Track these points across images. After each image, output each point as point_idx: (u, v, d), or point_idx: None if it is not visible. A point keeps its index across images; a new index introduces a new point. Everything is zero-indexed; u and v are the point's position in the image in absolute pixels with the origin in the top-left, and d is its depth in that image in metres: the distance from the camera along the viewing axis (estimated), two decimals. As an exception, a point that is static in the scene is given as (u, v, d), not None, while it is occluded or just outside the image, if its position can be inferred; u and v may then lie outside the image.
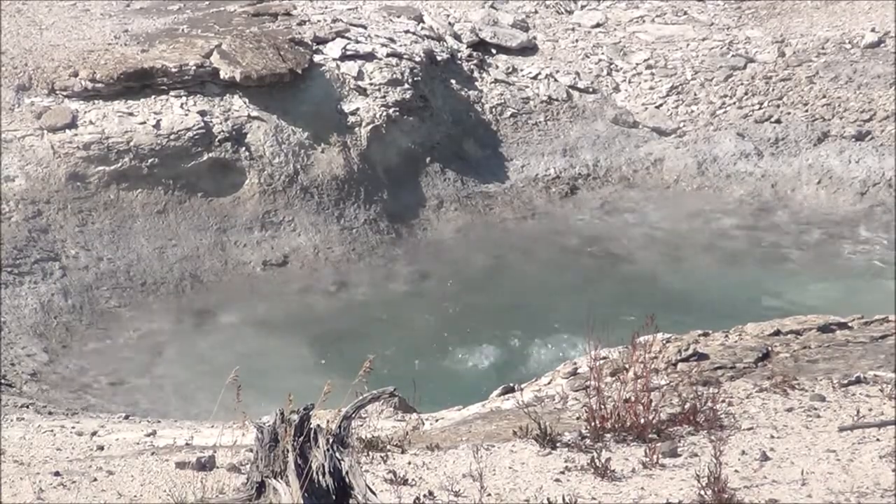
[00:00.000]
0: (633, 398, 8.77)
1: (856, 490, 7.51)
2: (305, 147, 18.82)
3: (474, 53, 21.27)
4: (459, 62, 21.02)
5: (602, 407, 8.74)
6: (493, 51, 21.52)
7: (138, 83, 18.45)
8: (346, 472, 6.68)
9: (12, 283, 16.24)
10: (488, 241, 19.09)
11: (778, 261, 18.84)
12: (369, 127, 19.29)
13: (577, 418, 9.30)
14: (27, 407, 13.22)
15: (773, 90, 21.08)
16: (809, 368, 9.97)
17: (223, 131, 18.33)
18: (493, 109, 20.68)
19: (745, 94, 21.08)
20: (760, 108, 20.88)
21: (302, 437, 6.66)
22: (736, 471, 7.86)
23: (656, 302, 15.74)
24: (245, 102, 18.66)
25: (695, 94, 21.19)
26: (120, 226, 17.59)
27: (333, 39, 20.02)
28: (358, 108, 19.38)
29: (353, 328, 16.85)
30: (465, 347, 16.48)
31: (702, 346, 10.69)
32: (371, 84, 19.62)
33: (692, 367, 10.20)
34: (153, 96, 18.40)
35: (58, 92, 18.33)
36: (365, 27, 20.55)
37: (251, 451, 7.05)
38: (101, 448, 10.11)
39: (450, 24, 21.60)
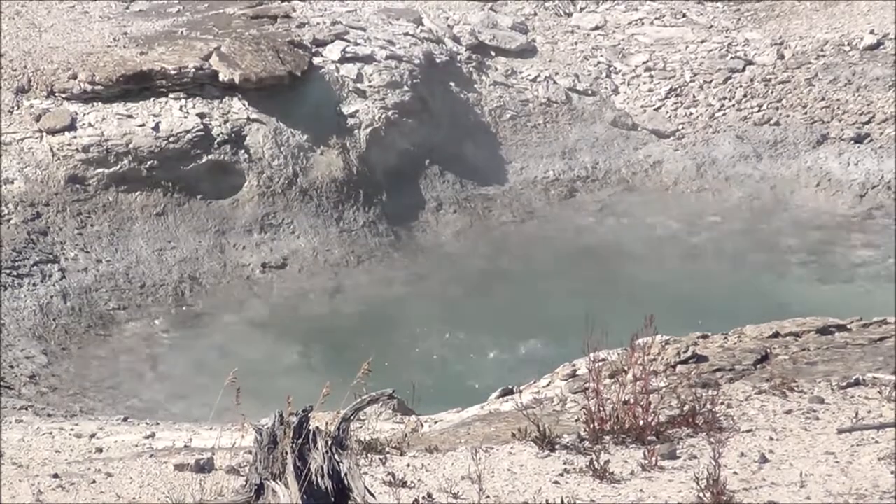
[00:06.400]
0: (632, 400, 8.77)
1: (854, 492, 7.51)
2: (304, 149, 18.82)
3: (473, 56, 21.28)
4: (459, 64, 21.03)
5: (601, 409, 8.73)
6: (493, 53, 21.53)
7: (137, 85, 18.45)
8: (345, 474, 6.68)
9: (11, 285, 16.24)
10: (487, 243, 19.09)
11: (777, 263, 18.84)
12: (368, 129, 19.30)
13: (576, 420, 9.30)
14: (26, 409, 13.23)
15: (771, 92, 21.09)
16: (808, 370, 9.97)
17: (222, 133, 18.34)
18: (493, 112, 20.69)
19: (744, 96, 21.10)
20: (759, 111, 20.89)
21: (301, 439, 6.66)
22: (735, 473, 7.85)
23: (655, 303, 15.71)
24: (244, 105, 18.67)
25: (694, 97, 21.21)
26: (119, 228, 17.59)
27: (333, 42, 20.02)
28: (357, 111, 19.39)
29: (352, 330, 16.85)
30: (464, 349, 16.48)
31: (700, 348, 10.69)
32: (370, 86, 19.63)
33: (691, 369, 10.20)
34: (152, 98, 18.40)
35: (57, 94, 18.33)
36: (364, 29, 20.56)
37: (250, 453, 7.04)
38: (100, 450, 10.11)
39: (449, 26, 21.60)
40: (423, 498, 7.74)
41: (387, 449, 8.75)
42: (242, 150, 18.42)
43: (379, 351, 14.64)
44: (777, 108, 20.88)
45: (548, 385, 10.91)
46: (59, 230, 17.24)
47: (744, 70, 21.49)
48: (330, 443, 6.72)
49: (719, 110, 20.99)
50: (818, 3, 22.65)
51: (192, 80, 18.59)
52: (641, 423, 8.61)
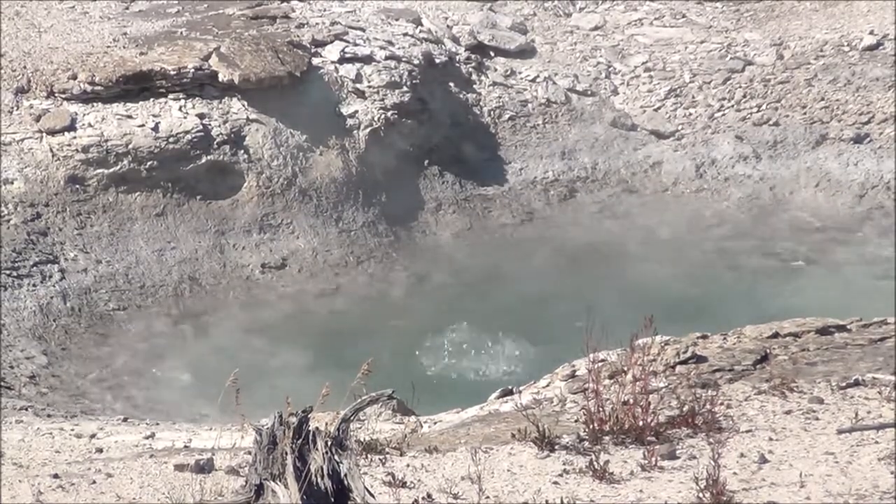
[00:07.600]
0: (631, 400, 8.77)
1: (854, 492, 7.51)
2: (304, 150, 18.82)
3: (473, 56, 21.27)
4: (458, 65, 21.03)
5: (600, 409, 8.73)
6: (492, 53, 21.53)
7: (137, 86, 18.44)
8: (345, 475, 6.68)
9: (11, 285, 16.24)
10: (487, 244, 19.09)
11: (776, 263, 18.84)
12: (367, 130, 19.30)
13: (576, 421, 9.30)
14: (26, 409, 13.23)
15: (771, 93, 21.09)
16: (808, 371, 9.98)
17: (222, 134, 18.33)
18: (492, 112, 20.69)
19: (744, 96, 21.10)
20: (759, 111, 20.89)
21: (300, 440, 6.66)
22: (734, 473, 7.86)
23: (655, 304, 15.72)
24: (244, 105, 18.67)
25: (693, 97, 21.21)
26: (119, 228, 17.59)
27: (332, 42, 20.02)
28: (356, 111, 19.39)
29: (352, 331, 16.84)
30: (463, 350, 16.48)
31: (700, 348, 10.69)
32: (369, 87, 19.62)
33: (690, 369, 10.20)
34: (152, 99, 18.39)
35: (56, 94, 18.33)
36: (363, 30, 20.56)
37: (250, 453, 7.05)
38: (100, 450, 10.12)
39: (448, 26, 21.61)
40: (423, 498, 7.75)
41: (387, 449, 8.76)
42: (242, 151, 18.42)
43: (378, 351, 14.70)
44: (776, 109, 20.89)
45: (547, 385, 10.91)
46: (59, 230, 17.24)
47: (743, 70, 21.49)
48: (330, 443, 6.73)
49: (718, 111, 21.00)
50: (818, 3, 22.65)
51: (192, 80, 18.58)
52: (641, 423, 8.62)
